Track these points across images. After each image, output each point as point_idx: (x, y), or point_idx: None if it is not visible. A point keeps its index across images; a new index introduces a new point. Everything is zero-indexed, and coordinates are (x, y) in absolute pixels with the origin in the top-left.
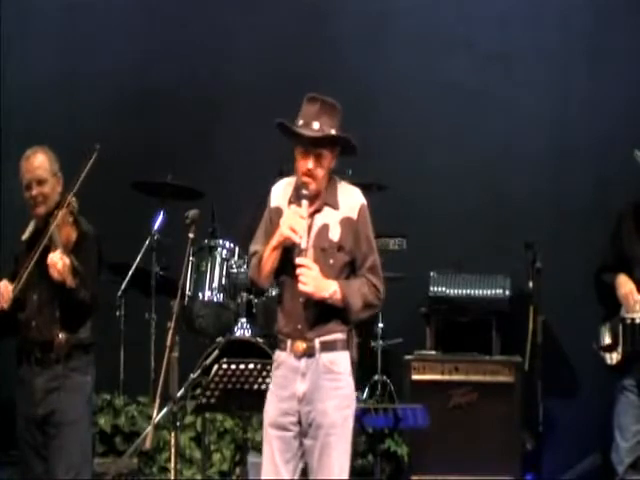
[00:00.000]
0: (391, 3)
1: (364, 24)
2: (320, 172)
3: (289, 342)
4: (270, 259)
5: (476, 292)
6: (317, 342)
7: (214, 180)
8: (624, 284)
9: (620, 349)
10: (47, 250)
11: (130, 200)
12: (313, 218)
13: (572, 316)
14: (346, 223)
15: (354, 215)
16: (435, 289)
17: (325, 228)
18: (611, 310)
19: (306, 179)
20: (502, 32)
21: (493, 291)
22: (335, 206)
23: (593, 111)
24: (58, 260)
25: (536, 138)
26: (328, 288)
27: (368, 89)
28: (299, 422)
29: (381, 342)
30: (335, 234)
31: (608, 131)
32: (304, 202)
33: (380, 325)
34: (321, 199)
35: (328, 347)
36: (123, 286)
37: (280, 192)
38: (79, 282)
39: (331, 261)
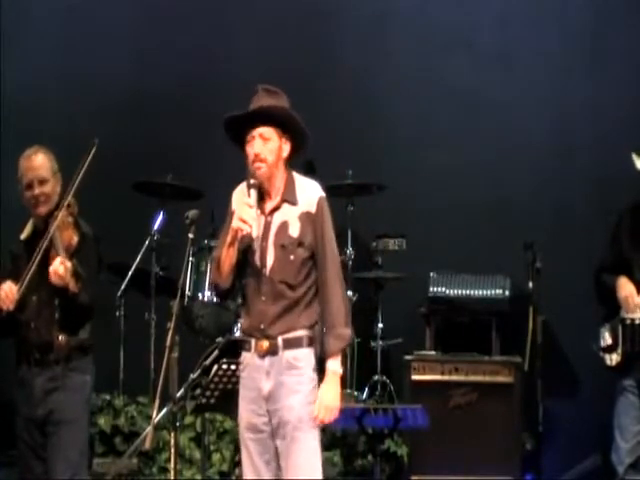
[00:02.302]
0: (391, 3)
1: (364, 24)
2: (269, 156)
3: (253, 342)
4: (228, 257)
5: (476, 292)
6: (280, 340)
7: (214, 180)
8: (624, 286)
9: (620, 350)
10: (48, 252)
11: (130, 200)
12: (272, 216)
13: (572, 316)
14: (305, 218)
15: (312, 209)
16: (435, 289)
17: (284, 225)
18: (611, 310)
19: (257, 164)
20: (502, 32)
21: (493, 291)
22: (294, 202)
23: (593, 111)
24: (59, 266)
25: (536, 138)
26: (337, 385)
27: (368, 89)
28: (270, 421)
29: (381, 342)
30: (295, 230)
31: (608, 131)
32: (252, 191)
33: (380, 325)
34: (280, 196)
35: (292, 344)
36: (123, 286)
37: (239, 195)
38: (81, 285)
39: (292, 257)
